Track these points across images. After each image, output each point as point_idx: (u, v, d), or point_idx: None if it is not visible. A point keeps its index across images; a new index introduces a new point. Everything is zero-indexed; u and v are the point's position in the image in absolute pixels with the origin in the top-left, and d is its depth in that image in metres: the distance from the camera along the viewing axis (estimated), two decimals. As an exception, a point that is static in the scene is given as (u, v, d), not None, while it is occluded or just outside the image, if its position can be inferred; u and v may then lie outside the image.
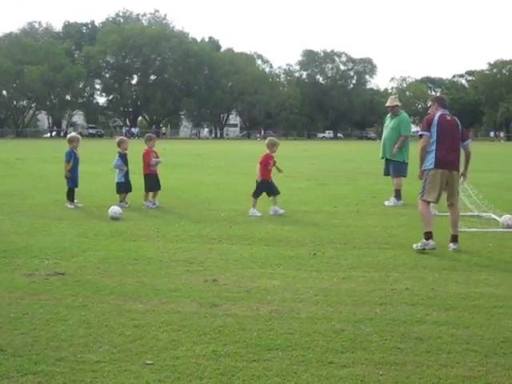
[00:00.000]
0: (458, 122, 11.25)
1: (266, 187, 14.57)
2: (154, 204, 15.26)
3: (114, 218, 13.09)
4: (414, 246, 10.50)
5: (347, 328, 6.31)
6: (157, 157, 15.89)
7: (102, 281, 8.10)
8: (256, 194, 14.66)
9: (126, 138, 16.62)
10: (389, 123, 16.60)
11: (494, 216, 13.38)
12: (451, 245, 10.52)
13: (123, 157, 15.77)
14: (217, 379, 5.09)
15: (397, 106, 16.61)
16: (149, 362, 5.40)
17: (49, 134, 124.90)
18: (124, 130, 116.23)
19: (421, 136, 11.11)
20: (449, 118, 11.20)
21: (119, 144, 16.02)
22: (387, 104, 16.94)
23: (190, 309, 6.92)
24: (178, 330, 6.18)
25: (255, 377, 5.14)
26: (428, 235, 10.45)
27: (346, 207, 15.39)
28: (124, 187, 15.58)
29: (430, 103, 11.53)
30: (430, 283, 8.14)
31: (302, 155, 46.37)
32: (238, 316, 6.67)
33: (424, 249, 10.29)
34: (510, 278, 8.50)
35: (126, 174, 15.75)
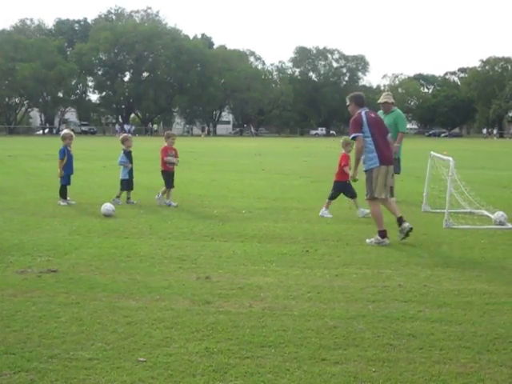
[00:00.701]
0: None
1: (342, 188, 14.17)
2: (170, 204, 15.02)
3: (107, 215, 13.08)
4: (368, 240, 10.80)
5: (340, 325, 6.31)
6: (176, 155, 15.77)
7: (95, 278, 8.09)
8: (332, 196, 14.15)
9: (130, 136, 16.56)
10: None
11: (486, 213, 13.40)
12: (405, 225, 10.86)
13: (128, 154, 15.76)
14: (210, 376, 5.09)
15: (386, 102, 16.45)
16: (141, 359, 5.39)
17: (41, 132, 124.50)
18: (117, 127, 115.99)
19: (354, 138, 11.13)
20: (373, 114, 11.37)
21: (123, 141, 15.96)
22: (379, 101, 16.89)
23: (182, 306, 6.92)
24: (171, 327, 6.18)
25: (248, 374, 5.14)
26: (383, 234, 10.77)
27: (338, 204, 15.36)
28: (126, 184, 15.54)
29: (348, 102, 11.57)
30: (423, 280, 8.15)
31: (294, 152, 46.39)
32: (231, 313, 6.67)
33: (378, 244, 10.63)
34: (502, 274, 8.52)
35: (130, 172, 15.70)
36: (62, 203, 14.94)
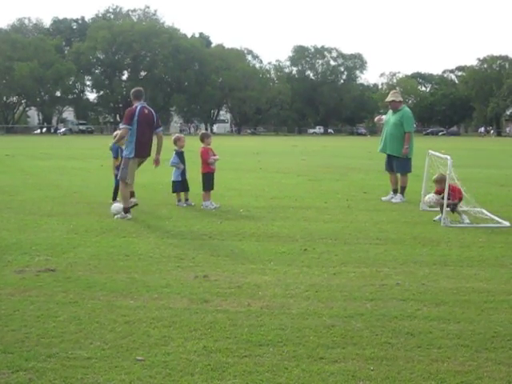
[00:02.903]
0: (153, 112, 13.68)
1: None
2: (212, 204, 14.58)
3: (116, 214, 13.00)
4: (115, 217, 12.79)
5: (338, 323, 6.31)
6: (214, 154, 15.32)
7: (93, 277, 8.09)
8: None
9: (182, 136, 16.00)
10: (390, 118, 16.32)
11: (484, 211, 13.40)
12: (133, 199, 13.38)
13: (180, 155, 15.30)
14: (208, 375, 5.09)
15: (394, 101, 16.37)
16: (140, 358, 5.39)
17: (39, 131, 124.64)
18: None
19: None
20: (146, 111, 13.42)
21: (175, 142, 15.57)
22: (387, 99, 16.81)
23: (180, 305, 6.92)
24: (169, 326, 6.18)
25: (246, 372, 5.14)
26: (126, 210, 12.88)
27: (336, 203, 15.39)
28: (180, 186, 15.10)
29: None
30: (421, 278, 8.15)
31: (292, 151, 46.40)
32: (229, 312, 6.67)
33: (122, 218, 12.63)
34: (500, 272, 8.52)
35: (183, 173, 15.21)
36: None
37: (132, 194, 13.41)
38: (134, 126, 13.01)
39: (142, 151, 13.14)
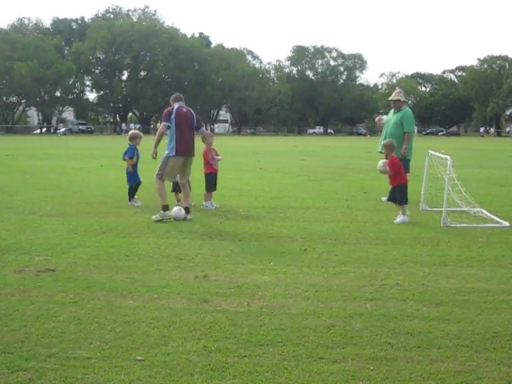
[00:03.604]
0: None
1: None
2: (212, 205, 14.59)
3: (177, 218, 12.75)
4: (153, 216, 12.63)
5: (338, 323, 6.32)
6: (216, 154, 15.33)
7: (93, 277, 8.09)
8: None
9: None
10: (391, 118, 16.28)
11: (484, 211, 13.41)
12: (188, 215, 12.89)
13: None
14: (208, 375, 5.09)
15: (399, 100, 16.33)
16: (139, 358, 5.39)
17: (39, 131, 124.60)
18: (124, 126, 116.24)
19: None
20: (184, 109, 13.53)
21: None
22: (390, 98, 16.78)
23: (180, 305, 6.92)
24: (169, 326, 6.18)
25: (246, 372, 5.14)
26: (165, 208, 12.79)
27: (336, 203, 15.39)
28: (178, 186, 15.12)
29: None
30: (421, 278, 8.15)
31: (292, 151, 46.40)
32: (229, 312, 6.67)
33: (162, 219, 12.54)
34: (500, 272, 8.53)
35: None
36: (134, 204, 14.80)
37: (187, 210, 13.02)
38: (172, 125, 13.08)
39: (183, 149, 13.11)
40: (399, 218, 12.71)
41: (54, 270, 8.38)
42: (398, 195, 13.02)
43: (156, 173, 13.18)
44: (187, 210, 12.98)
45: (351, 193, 17.68)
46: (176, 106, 13.40)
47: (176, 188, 14.90)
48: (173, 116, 13.11)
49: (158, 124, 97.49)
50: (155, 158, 13.30)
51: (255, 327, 6.18)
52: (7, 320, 6.33)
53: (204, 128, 14.00)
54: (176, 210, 12.86)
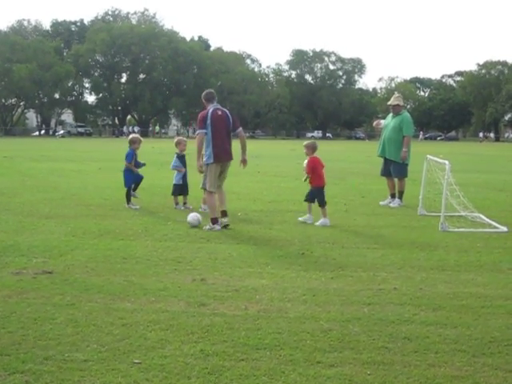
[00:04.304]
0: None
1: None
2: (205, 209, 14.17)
3: (193, 225, 12.37)
4: (204, 227, 12.09)
5: (335, 327, 6.31)
6: None
7: (90, 280, 8.08)
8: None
9: (183, 139, 15.87)
10: (389, 122, 16.32)
11: (482, 216, 13.41)
12: (224, 220, 12.32)
13: (181, 158, 15.28)
14: (205, 378, 5.09)
15: (398, 105, 16.34)
16: (137, 361, 5.39)
17: (37, 133, 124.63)
18: (125, 129, 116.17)
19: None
20: (220, 112, 12.63)
21: (176, 145, 15.53)
22: (389, 102, 16.79)
23: (178, 308, 6.91)
24: (166, 329, 6.18)
25: (243, 376, 5.14)
26: (214, 221, 12.17)
27: (334, 207, 15.37)
28: (180, 189, 15.07)
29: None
30: (418, 283, 8.15)
31: (290, 155, 46.39)
32: (226, 315, 6.67)
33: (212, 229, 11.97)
34: (497, 278, 8.52)
35: (184, 176, 15.17)
36: (132, 207, 14.74)
37: (224, 214, 12.41)
38: (208, 129, 12.34)
39: (222, 155, 12.52)
40: (320, 221, 12.83)
41: (52, 273, 8.37)
42: (318, 198, 13.29)
43: (202, 184, 12.87)
44: (224, 214, 12.43)
45: (349, 197, 17.68)
46: (211, 108, 12.51)
47: (176, 191, 14.92)
48: (208, 121, 12.34)
49: (157, 127, 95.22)
50: (202, 172, 12.71)
51: (252, 331, 6.18)
52: (4, 322, 6.32)
53: (241, 129, 13.11)
54: (192, 217, 12.47)
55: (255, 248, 10.32)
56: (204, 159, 12.43)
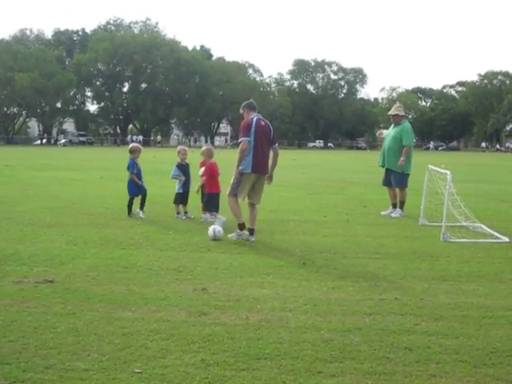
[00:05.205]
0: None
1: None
2: (212, 217, 14.17)
3: (217, 239, 11.95)
4: (229, 235, 11.92)
5: (336, 337, 6.30)
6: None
7: (91, 289, 8.07)
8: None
9: (184, 148, 15.77)
10: (390, 132, 16.35)
11: (483, 227, 13.40)
12: (251, 237, 11.92)
13: (181, 167, 15.18)
14: (205, 388, 5.09)
15: (397, 115, 16.34)
16: (137, 370, 5.38)
17: (39, 142, 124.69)
18: (128, 138, 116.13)
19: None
20: (263, 123, 12.31)
21: (177, 154, 15.52)
22: (390, 112, 16.79)
23: (179, 317, 6.91)
24: (167, 339, 6.17)
25: (244, 386, 5.14)
26: (241, 226, 12.00)
27: (335, 216, 15.38)
28: (180, 198, 14.98)
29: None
30: (420, 293, 8.14)
31: (291, 164, 46.39)
32: (227, 325, 6.66)
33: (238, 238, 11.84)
34: (499, 288, 8.52)
35: (185, 185, 15.05)
36: (133, 217, 14.69)
37: (251, 232, 11.98)
38: (251, 139, 11.91)
39: (260, 167, 12.05)
40: (216, 221, 12.98)
41: (53, 281, 8.37)
42: (212, 203, 13.90)
43: (229, 190, 12.17)
44: (251, 232, 11.99)
45: (351, 207, 17.68)
46: (254, 117, 12.20)
47: (178, 200, 14.91)
48: (252, 130, 11.96)
49: (159, 136, 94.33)
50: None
51: (253, 340, 6.17)
52: (5, 331, 6.32)
53: (277, 145, 12.58)
54: (214, 230, 12.07)
55: (256, 257, 10.31)
56: (240, 167, 11.92)
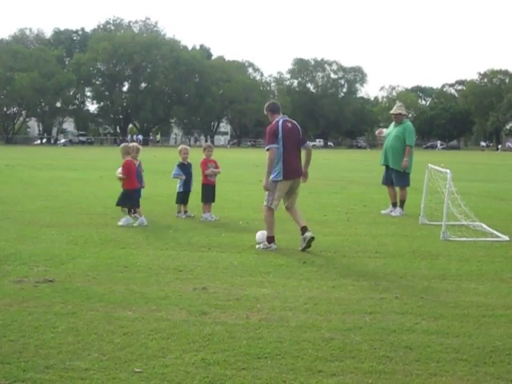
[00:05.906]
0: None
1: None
2: (212, 217, 14.54)
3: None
4: (257, 246, 11.28)
5: (336, 336, 6.30)
6: (216, 167, 15.14)
7: (92, 288, 8.08)
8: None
9: (185, 147, 15.82)
10: (392, 131, 16.35)
11: (483, 225, 13.40)
12: (307, 234, 11.10)
13: (183, 166, 15.23)
14: (206, 387, 5.09)
15: (400, 114, 16.33)
16: (138, 369, 5.38)
17: (39, 141, 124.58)
18: (136, 138, 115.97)
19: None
20: (290, 124, 11.68)
21: (179, 153, 15.53)
22: (391, 111, 16.78)
23: (179, 317, 6.91)
24: (167, 338, 6.17)
25: (244, 385, 5.14)
26: (270, 239, 11.29)
27: (336, 216, 15.38)
28: (181, 197, 15.05)
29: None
30: (420, 292, 8.14)
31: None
32: (228, 324, 6.66)
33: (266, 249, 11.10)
34: (499, 287, 8.52)
35: (186, 184, 15.09)
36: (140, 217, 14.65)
37: (305, 229, 11.23)
38: (279, 144, 11.23)
39: (292, 172, 11.41)
40: (138, 220, 13.55)
41: (53, 281, 8.37)
42: (128, 199, 13.89)
43: (266, 202, 11.49)
44: (305, 229, 11.24)
45: (351, 206, 17.68)
46: (280, 120, 11.49)
47: (179, 199, 14.93)
48: (280, 135, 11.26)
49: (158, 136, 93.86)
50: (268, 190, 11.48)
51: (254, 340, 6.17)
52: (5, 330, 6.32)
53: (308, 143, 12.09)
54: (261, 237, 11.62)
55: (256, 257, 10.32)
56: (272, 176, 11.30)
